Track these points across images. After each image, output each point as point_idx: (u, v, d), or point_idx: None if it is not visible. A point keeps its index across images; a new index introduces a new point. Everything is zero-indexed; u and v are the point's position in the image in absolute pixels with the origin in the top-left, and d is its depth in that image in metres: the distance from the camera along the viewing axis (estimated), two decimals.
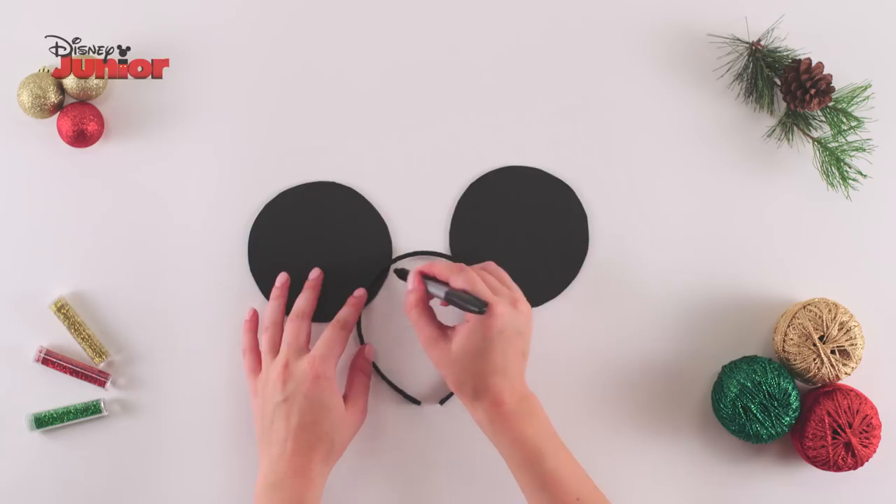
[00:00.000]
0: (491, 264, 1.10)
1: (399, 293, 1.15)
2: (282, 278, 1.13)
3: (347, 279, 1.14)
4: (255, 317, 1.13)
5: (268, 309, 1.12)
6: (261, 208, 1.14)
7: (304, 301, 1.12)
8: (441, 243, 1.15)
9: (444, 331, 1.06)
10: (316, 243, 1.14)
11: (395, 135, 1.15)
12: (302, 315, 1.11)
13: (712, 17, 1.16)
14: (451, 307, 1.11)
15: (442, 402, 1.14)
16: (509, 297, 1.05)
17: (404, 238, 1.15)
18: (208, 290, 1.14)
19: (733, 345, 1.15)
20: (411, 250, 1.15)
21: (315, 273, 1.14)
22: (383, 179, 1.15)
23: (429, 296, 1.08)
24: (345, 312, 1.12)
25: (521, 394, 1.05)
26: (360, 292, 1.14)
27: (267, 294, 1.13)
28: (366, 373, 1.13)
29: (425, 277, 1.08)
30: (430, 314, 1.08)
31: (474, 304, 1.02)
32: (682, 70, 1.16)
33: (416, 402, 1.14)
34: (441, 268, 1.07)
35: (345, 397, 1.10)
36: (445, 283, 1.06)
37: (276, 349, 1.10)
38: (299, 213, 1.14)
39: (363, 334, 1.15)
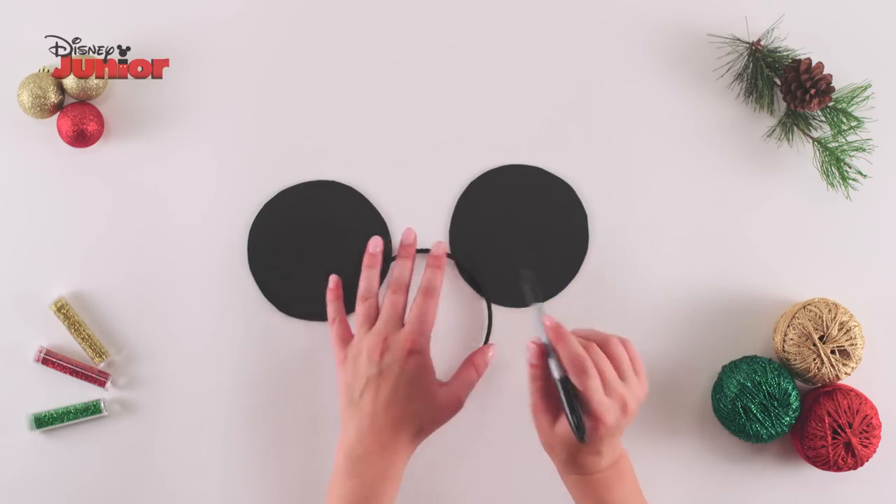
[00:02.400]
0: (613, 343, 1.01)
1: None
2: (378, 244, 1.11)
3: (347, 279, 1.13)
4: (339, 285, 1.12)
5: (365, 279, 1.10)
6: (261, 208, 1.14)
7: (402, 272, 1.10)
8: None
9: (553, 407, 1.01)
10: (316, 243, 1.14)
11: (394, 134, 1.15)
12: (400, 287, 1.09)
13: (712, 17, 1.16)
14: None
15: None
16: (620, 402, 0.98)
17: None
18: (208, 289, 1.13)
19: (733, 345, 1.15)
20: None
21: (410, 238, 1.11)
22: (383, 178, 1.15)
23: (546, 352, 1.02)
24: (428, 277, 1.09)
25: (612, 459, 1.02)
26: (439, 249, 1.11)
27: (267, 293, 1.13)
28: (478, 371, 1.10)
29: (548, 345, 1.01)
30: (545, 388, 1.02)
31: (577, 427, 0.97)
32: (682, 70, 1.16)
33: None
34: (567, 354, 0.98)
35: (448, 384, 1.08)
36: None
37: (371, 320, 1.08)
38: (299, 213, 1.14)
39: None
